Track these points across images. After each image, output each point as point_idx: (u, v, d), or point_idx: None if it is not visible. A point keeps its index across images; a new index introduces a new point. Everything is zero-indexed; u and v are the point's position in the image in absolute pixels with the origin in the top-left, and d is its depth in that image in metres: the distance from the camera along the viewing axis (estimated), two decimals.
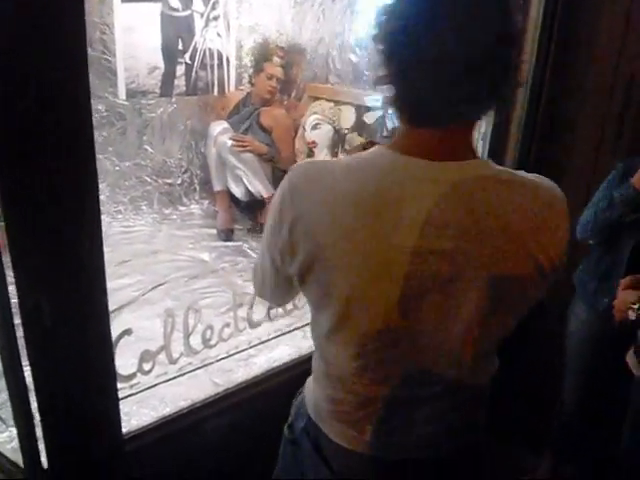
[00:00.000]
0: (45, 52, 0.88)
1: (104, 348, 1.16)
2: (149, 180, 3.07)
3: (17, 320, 1.00)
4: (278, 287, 1.00)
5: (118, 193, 2.97)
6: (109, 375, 1.18)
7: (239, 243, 2.81)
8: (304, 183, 0.85)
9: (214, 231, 2.91)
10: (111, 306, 1.09)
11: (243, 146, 2.75)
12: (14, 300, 0.97)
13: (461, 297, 0.83)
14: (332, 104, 2.77)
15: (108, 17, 2.72)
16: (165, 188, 3.14)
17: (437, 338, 0.86)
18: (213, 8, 3.02)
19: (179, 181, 3.19)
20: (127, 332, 1.32)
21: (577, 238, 1.78)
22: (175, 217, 3.11)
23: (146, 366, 1.40)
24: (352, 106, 2.72)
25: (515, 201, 0.81)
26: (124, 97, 2.78)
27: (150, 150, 3.01)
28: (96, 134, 2.44)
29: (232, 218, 2.96)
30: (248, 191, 2.88)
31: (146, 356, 1.39)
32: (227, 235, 2.86)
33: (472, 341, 0.88)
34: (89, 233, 1.02)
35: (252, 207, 2.99)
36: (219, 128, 2.82)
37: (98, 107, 2.79)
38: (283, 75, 2.86)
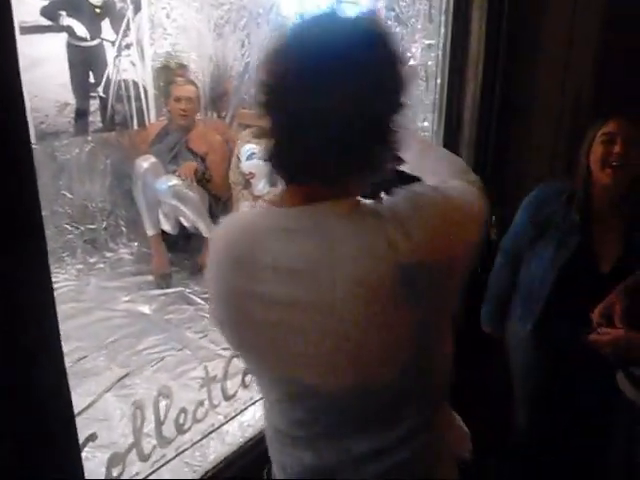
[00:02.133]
0: None
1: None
2: (70, 228, 2.77)
3: None
4: None
5: None
6: None
7: (180, 289, 2.58)
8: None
9: (150, 278, 2.66)
10: None
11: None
12: None
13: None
14: None
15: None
16: (88, 235, 2.85)
17: None
18: (125, 35, 2.78)
19: (104, 225, 2.90)
20: (92, 438, 1.11)
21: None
22: (103, 266, 2.82)
23: (115, 471, 1.18)
24: None
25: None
26: (34, 141, 2.48)
27: (69, 195, 2.72)
28: None
29: (168, 261, 2.73)
30: (182, 225, 2.67)
31: (115, 459, 1.17)
32: (165, 281, 2.63)
33: None
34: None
35: (189, 245, 2.77)
36: (146, 164, 2.58)
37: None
38: (195, 93, 2.65)
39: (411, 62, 2.12)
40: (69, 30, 2.56)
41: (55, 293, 2.53)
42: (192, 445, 1.40)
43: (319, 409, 0.89)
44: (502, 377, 1.88)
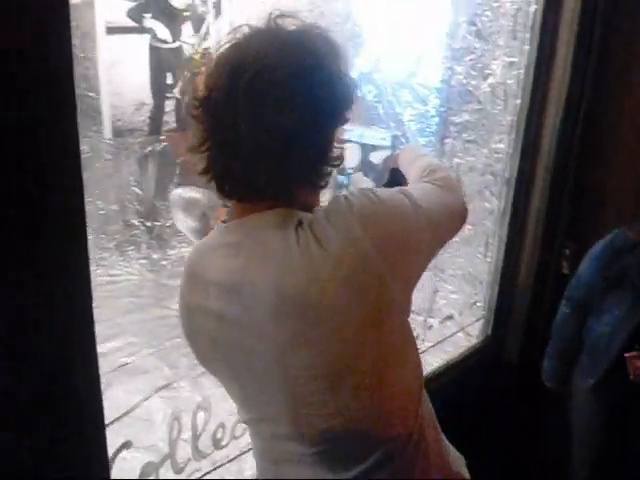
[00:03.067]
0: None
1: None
2: (137, 223, 2.83)
3: None
4: None
5: (103, 238, 2.72)
6: None
7: None
8: None
9: None
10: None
11: None
12: None
13: None
14: None
15: (91, 51, 2.50)
16: (155, 231, 2.91)
17: None
18: (204, 39, 2.83)
19: (168, 223, 2.95)
20: (126, 445, 1.10)
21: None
22: (165, 263, 2.86)
23: None
24: (357, 144, 2.53)
25: None
26: (110, 136, 2.55)
27: (138, 192, 2.78)
28: None
29: None
30: None
31: (148, 469, 1.16)
32: None
33: None
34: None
35: None
36: (181, 202, 2.56)
37: (83, 147, 2.54)
38: None
39: (490, 80, 2.03)
40: (152, 32, 2.62)
41: (116, 287, 2.56)
42: (229, 461, 1.37)
43: (275, 434, 0.86)
44: (561, 432, 1.76)
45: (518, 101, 1.90)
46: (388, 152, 2.47)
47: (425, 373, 2.01)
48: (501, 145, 2.02)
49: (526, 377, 2.04)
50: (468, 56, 2.05)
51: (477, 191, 2.16)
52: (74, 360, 0.77)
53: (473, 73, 2.06)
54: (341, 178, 2.58)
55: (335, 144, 0.82)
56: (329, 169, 0.83)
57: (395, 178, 1.16)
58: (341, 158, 0.84)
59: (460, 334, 2.22)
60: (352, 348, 0.78)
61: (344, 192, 0.86)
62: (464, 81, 2.09)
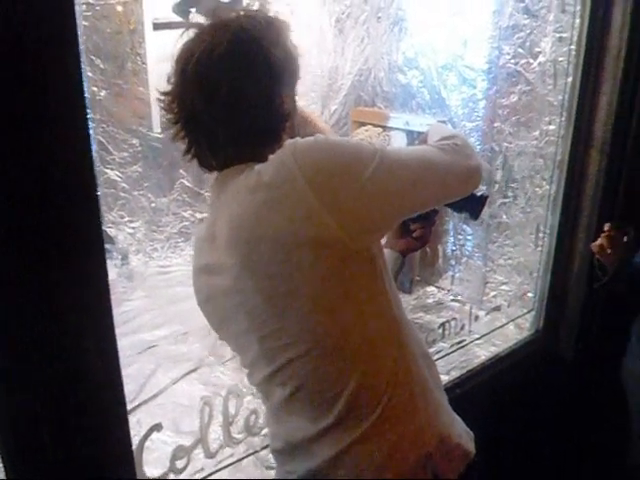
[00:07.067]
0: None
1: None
2: (186, 215, 2.89)
3: None
4: None
5: (155, 231, 2.80)
6: None
7: None
8: None
9: None
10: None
11: None
12: None
13: None
14: (380, 130, 2.53)
15: (140, 47, 2.56)
16: None
17: None
18: None
19: None
20: (157, 427, 1.11)
21: None
22: None
23: (180, 464, 1.19)
24: (403, 132, 2.48)
25: None
26: (159, 130, 2.61)
27: (187, 184, 2.84)
28: (130, 170, 2.29)
29: None
30: None
31: (180, 453, 1.18)
32: None
33: None
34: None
35: None
36: None
37: (132, 142, 2.62)
38: None
39: (540, 59, 1.93)
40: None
41: (167, 277, 2.62)
42: (263, 449, 1.37)
43: (259, 380, 0.95)
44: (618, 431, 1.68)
45: (569, 79, 1.80)
46: None
47: (472, 365, 1.96)
48: (552, 127, 1.92)
49: (580, 373, 1.95)
50: (516, 34, 1.96)
51: (527, 176, 2.06)
52: (90, 347, 0.78)
53: (522, 52, 1.96)
54: None
55: (284, 103, 0.92)
56: (280, 125, 0.93)
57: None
58: (289, 114, 0.93)
59: (511, 326, 2.13)
60: (290, 270, 0.83)
61: None
62: (512, 61, 1.99)
